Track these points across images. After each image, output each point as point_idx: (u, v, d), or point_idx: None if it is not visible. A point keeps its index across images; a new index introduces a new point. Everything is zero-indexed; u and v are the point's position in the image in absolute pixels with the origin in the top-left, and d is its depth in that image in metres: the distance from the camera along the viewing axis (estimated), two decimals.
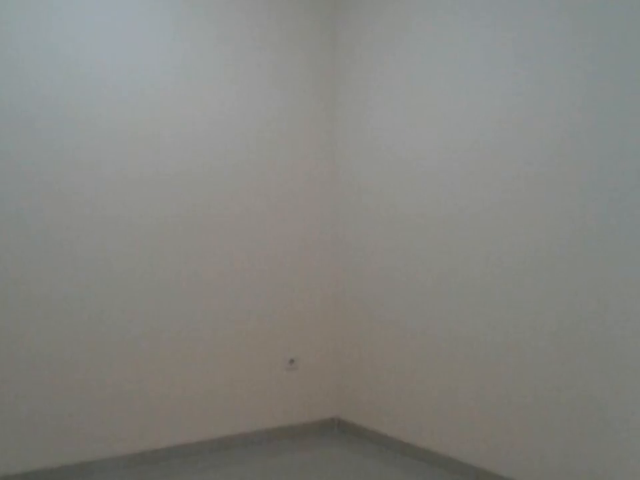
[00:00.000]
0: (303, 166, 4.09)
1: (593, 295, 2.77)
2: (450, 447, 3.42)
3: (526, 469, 3.05)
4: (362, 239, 3.99)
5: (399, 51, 3.72)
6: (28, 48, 3.25)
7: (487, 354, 3.23)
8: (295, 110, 4.05)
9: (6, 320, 3.21)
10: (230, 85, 3.83)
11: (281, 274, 4.00)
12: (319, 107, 4.14)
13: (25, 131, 3.25)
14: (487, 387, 3.23)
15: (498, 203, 3.17)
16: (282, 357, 4.00)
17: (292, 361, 4.02)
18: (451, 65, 3.41)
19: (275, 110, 3.98)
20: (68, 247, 3.36)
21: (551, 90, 2.93)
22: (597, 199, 2.75)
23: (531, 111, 3.01)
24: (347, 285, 4.11)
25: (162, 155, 3.62)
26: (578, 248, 2.82)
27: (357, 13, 4.02)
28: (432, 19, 3.52)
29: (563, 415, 2.89)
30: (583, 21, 2.81)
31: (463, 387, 3.35)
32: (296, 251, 4.06)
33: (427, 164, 3.56)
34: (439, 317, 3.48)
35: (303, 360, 4.08)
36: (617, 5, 2.69)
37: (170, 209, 3.65)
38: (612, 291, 2.70)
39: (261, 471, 3.45)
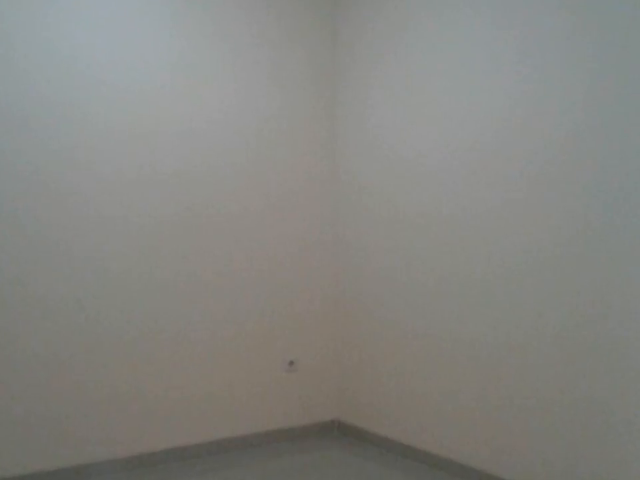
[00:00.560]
0: (303, 165, 4.05)
1: (596, 295, 2.73)
2: (451, 449, 3.39)
3: (528, 471, 3.01)
4: (362, 239, 3.96)
5: (400, 49, 3.68)
6: (23, 45, 3.22)
7: (489, 355, 3.19)
8: (294, 108, 4.02)
9: (1, 320, 3.17)
10: (228, 82, 3.79)
11: (280, 274, 3.97)
12: (318, 105, 4.11)
13: (21, 130, 3.21)
14: (489, 388, 3.19)
15: (500, 203, 3.13)
16: (281, 358, 3.97)
17: (291, 363, 3.98)
18: (452, 63, 3.37)
19: (273, 108, 3.94)
20: (64, 246, 3.32)
21: (554, 88, 2.89)
22: (600, 198, 2.72)
23: (533, 109, 2.98)
24: (347, 285, 4.07)
25: (159, 154, 3.59)
26: (581, 248, 2.79)
27: (357, 10, 3.99)
28: (433, 16, 3.48)
29: (565, 417, 2.85)
30: (585, 18, 2.77)
31: (465, 388, 3.31)
32: (295, 251, 4.02)
33: (428, 163, 3.52)
34: (440, 318, 3.45)
35: (303, 361, 4.04)
36: (620, 3, 2.65)
37: (167, 208, 3.61)
38: (615, 291, 2.66)
39: (260, 473, 3.41)
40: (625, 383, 2.64)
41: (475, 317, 3.26)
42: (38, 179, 3.26)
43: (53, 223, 3.29)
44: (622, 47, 2.65)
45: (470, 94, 3.28)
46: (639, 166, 2.59)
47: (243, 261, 3.84)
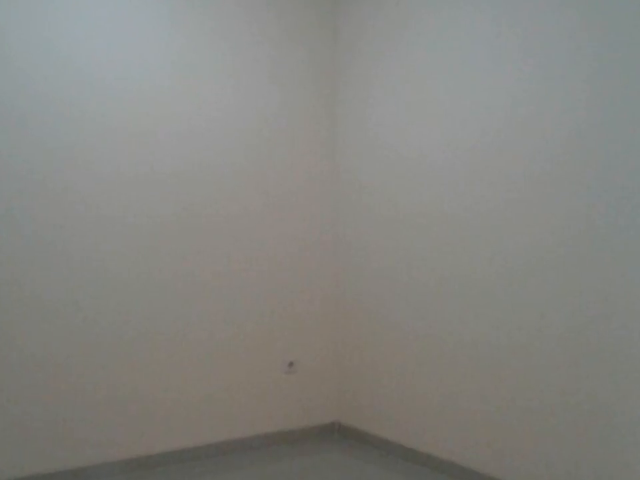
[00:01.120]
0: (302, 164, 4.02)
1: (600, 296, 2.70)
2: (453, 451, 3.35)
3: (531, 474, 2.98)
4: (363, 239, 3.92)
5: (401, 47, 3.65)
6: (20, 42, 3.18)
7: (491, 357, 3.15)
8: (294, 107, 3.98)
9: None
10: (228, 81, 3.75)
11: (280, 274, 3.93)
12: (318, 104, 4.07)
13: (17, 128, 3.18)
14: (491, 390, 3.16)
15: (502, 202, 3.10)
16: (281, 359, 3.93)
17: (291, 364, 3.95)
18: (454, 61, 3.34)
19: (273, 107, 3.91)
20: (61, 247, 3.28)
21: (557, 86, 2.86)
22: (604, 198, 2.68)
23: (535, 108, 2.94)
24: (347, 286, 4.04)
25: (158, 153, 3.55)
26: (584, 248, 2.75)
27: (357, 7, 3.95)
28: (434, 13, 3.45)
29: (568, 420, 2.82)
30: (589, 16, 2.74)
31: (467, 390, 3.28)
32: (295, 251, 3.99)
33: (429, 162, 3.48)
34: (441, 319, 3.41)
35: (303, 363, 4.01)
36: (624, 0, 2.62)
37: (166, 208, 3.57)
38: (619, 292, 2.63)
39: (260, 476, 3.38)
40: (628, 384, 2.60)
41: (476, 318, 3.22)
42: (34, 178, 3.22)
43: (49, 223, 3.26)
44: (625, 45, 2.61)
45: (472, 92, 3.24)
46: None
47: (242, 261, 3.80)
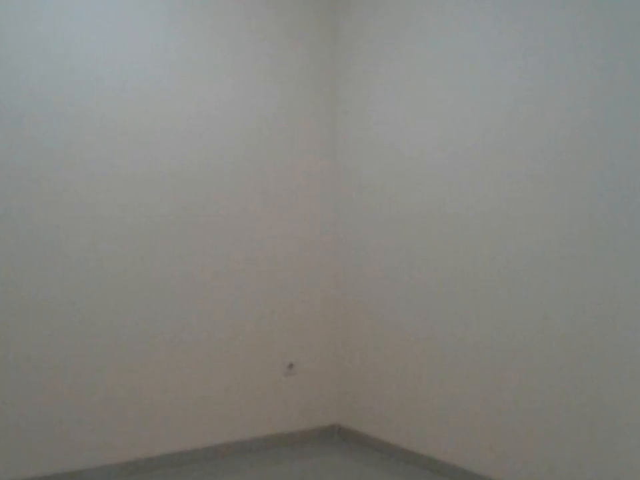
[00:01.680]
0: (302, 163, 3.98)
1: (603, 296, 2.65)
2: (455, 454, 3.31)
3: (533, 477, 2.93)
4: (363, 239, 3.88)
5: (402, 44, 3.61)
6: (16, 40, 3.15)
7: (492, 358, 3.11)
8: (293, 105, 3.94)
9: None
10: (226, 79, 3.71)
11: (280, 275, 3.89)
12: (318, 102, 4.03)
13: (13, 127, 3.14)
14: (492, 392, 3.11)
15: (505, 202, 3.06)
16: (280, 361, 3.89)
17: (291, 366, 3.91)
18: (455, 59, 3.30)
19: (273, 105, 3.87)
20: (58, 246, 3.24)
21: (560, 84, 2.81)
22: (607, 197, 2.64)
23: (538, 106, 2.90)
24: (347, 286, 4.00)
25: (156, 152, 3.51)
26: (588, 248, 2.71)
27: (358, 5, 3.91)
28: (435, 10, 3.41)
29: (571, 422, 2.78)
30: (592, 13, 2.70)
31: (468, 392, 3.23)
32: (295, 252, 3.94)
33: (430, 161, 3.44)
34: (443, 320, 3.37)
35: (302, 364, 3.96)
36: None
37: (164, 207, 3.53)
38: (623, 292, 2.59)
39: (259, 479, 3.34)
40: (632, 386, 2.56)
41: (478, 319, 3.18)
42: (31, 177, 3.18)
43: (46, 223, 3.22)
44: (629, 42, 2.57)
45: (473, 90, 3.20)
46: None
47: (241, 261, 3.76)
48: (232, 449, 3.68)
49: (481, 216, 3.17)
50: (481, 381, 3.17)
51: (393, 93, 3.66)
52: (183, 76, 3.57)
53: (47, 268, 3.22)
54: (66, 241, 3.26)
